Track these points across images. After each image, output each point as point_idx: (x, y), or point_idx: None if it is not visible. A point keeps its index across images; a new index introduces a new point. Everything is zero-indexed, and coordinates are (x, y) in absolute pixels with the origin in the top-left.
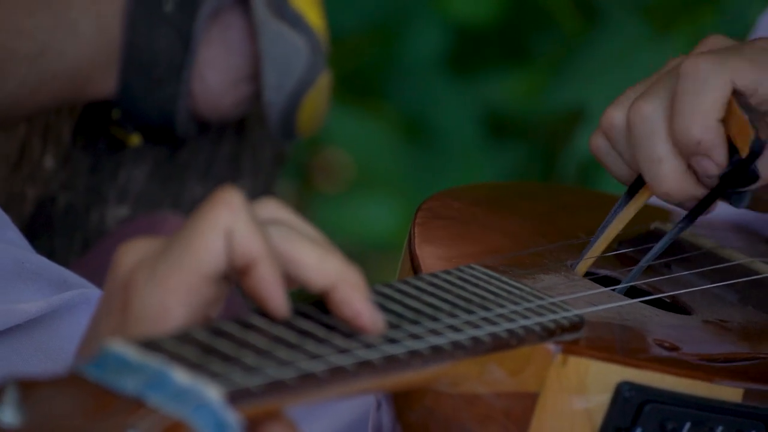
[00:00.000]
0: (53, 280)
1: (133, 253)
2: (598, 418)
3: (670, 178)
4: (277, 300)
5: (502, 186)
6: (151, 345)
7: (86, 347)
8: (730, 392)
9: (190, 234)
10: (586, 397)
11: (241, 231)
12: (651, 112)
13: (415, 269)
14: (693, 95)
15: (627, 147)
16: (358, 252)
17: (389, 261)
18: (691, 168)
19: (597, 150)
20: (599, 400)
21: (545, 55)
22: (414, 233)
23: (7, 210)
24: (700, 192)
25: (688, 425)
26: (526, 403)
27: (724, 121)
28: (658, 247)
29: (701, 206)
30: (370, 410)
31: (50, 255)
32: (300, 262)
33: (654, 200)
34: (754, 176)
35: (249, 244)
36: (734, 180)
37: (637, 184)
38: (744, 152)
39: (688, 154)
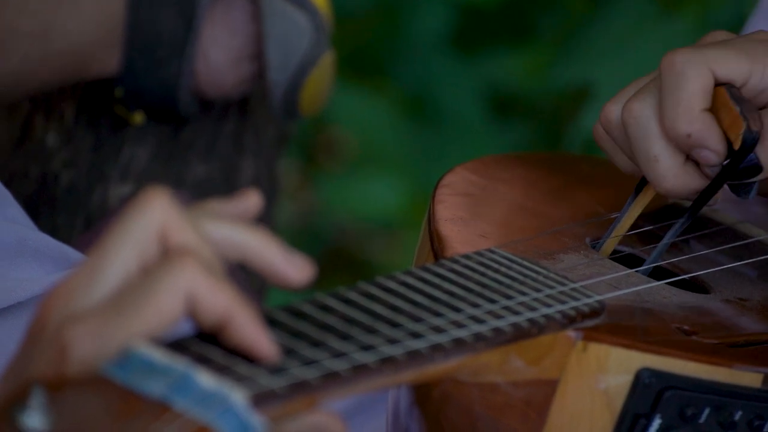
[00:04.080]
0: (55, 258)
1: (63, 307)
2: (618, 404)
3: (669, 175)
4: (264, 347)
5: (518, 157)
6: (176, 346)
7: (8, 380)
8: (749, 377)
9: (146, 297)
10: (606, 383)
11: (205, 292)
12: (641, 111)
13: (435, 250)
14: (674, 89)
15: (625, 143)
16: (362, 230)
17: (392, 239)
18: (690, 161)
19: (599, 140)
20: (619, 387)
21: (550, 34)
22: (433, 211)
23: (9, 188)
24: (701, 184)
25: (707, 411)
26: (546, 390)
27: (716, 113)
28: (670, 234)
29: (704, 197)
30: (388, 390)
31: (53, 233)
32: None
33: None
34: (757, 167)
35: (216, 303)
36: (736, 172)
37: (643, 181)
38: (736, 145)
39: (684, 149)
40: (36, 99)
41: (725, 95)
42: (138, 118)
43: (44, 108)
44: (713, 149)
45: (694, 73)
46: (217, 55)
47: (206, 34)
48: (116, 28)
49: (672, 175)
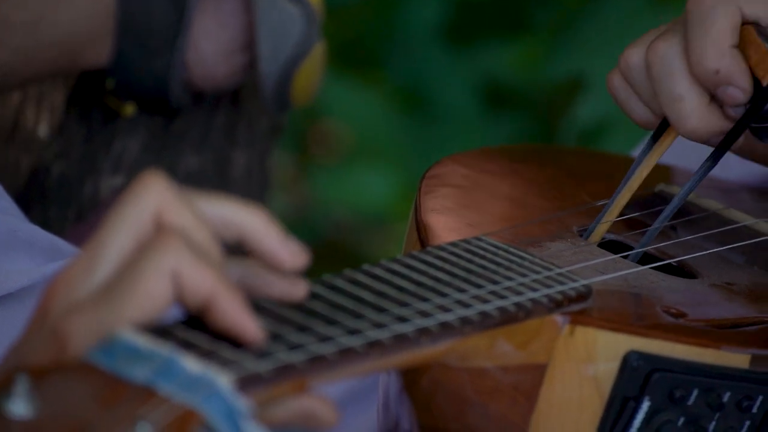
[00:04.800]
0: (46, 249)
1: (64, 296)
2: (607, 388)
3: (694, 114)
4: (249, 330)
5: (506, 150)
6: (160, 332)
7: (5, 369)
8: (737, 359)
9: (133, 281)
10: (595, 367)
11: (189, 272)
12: (667, 50)
13: (422, 240)
14: (701, 26)
15: (646, 87)
16: (355, 222)
17: (386, 231)
18: (714, 102)
19: (615, 90)
20: (607, 370)
21: (544, 26)
22: (420, 202)
23: (0, 180)
24: (725, 125)
25: (695, 393)
26: (535, 374)
27: (743, 51)
28: (677, 198)
29: (727, 141)
30: (378, 381)
31: (44, 225)
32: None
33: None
34: None
35: (200, 283)
36: (759, 113)
37: (662, 126)
38: (765, 80)
39: (710, 87)
40: (27, 90)
41: (753, 33)
42: (129, 109)
43: (35, 99)
44: (741, 86)
45: (723, 10)
46: (209, 47)
47: (198, 25)
48: (108, 19)
49: (697, 116)
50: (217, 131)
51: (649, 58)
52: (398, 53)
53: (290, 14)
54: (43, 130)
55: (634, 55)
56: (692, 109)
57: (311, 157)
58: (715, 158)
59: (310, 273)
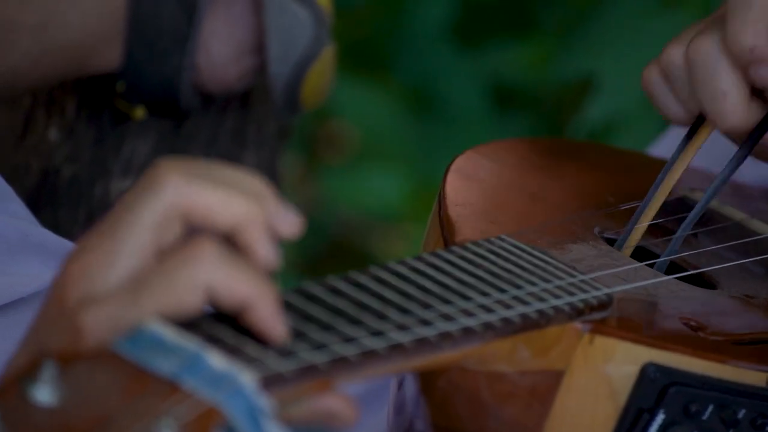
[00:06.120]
0: (57, 253)
1: (80, 286)
2: (622, 398)
3: (737, 110)
4: (275, 332)
5: (529, 142)
6: (187, 325)
7: (20, 355)
8: (754, 376)
9: (165, 290)
10: (611, 377)
11: (224, 283)
12: (709, 46)
13: (445, 235)
14: (740, 9)
15: (685, 85)
16: (364, 223)
17: (395, 232)
18: (755, 96)
19: (650, 85)
20: (624, 380)
21: (553, 25)
22: (444, 195)
23: (11, 182)
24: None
25: (711, 408)
26: (551, 381)
27: None
28: (712, 187)
29: (761, 128)
30: (389, 384)
31: (54, 227)
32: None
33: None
34: None
35: (235, 292)
36: None
37: (696, 124)
38: None
39: (745, 66)
40: (37, 93)
41: None
42: (139, 112)
43: (46, 102)
44: None
45: None
46: (219, 49)
47: (208, 27)
48: (117, 22)
49: (740, 110)
50: (226, 134)
51: (690, 56)
52: (406, 54)
53: (300, 17)
54: (53, 133)
55: (676, 53)
56: (735, 105)
57: (319, 158)
58: (750, 146)
59: (319, 273)
